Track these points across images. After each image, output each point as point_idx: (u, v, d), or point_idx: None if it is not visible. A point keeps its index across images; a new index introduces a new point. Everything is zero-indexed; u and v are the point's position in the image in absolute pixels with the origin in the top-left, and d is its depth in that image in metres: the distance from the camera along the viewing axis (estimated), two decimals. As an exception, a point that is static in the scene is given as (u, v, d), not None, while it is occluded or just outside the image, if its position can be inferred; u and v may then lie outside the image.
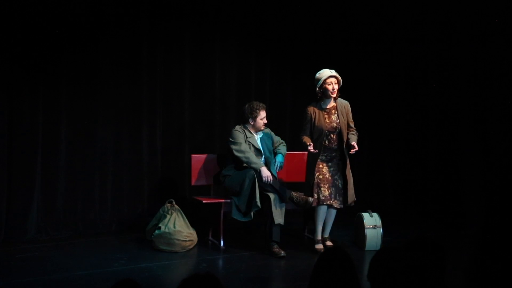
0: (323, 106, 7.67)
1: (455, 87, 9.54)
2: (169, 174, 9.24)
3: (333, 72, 7.58)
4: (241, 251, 7.95)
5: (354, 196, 7.89)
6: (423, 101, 10.13)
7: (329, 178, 7.67)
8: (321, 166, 7.65)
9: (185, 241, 7.92)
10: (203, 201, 8.08)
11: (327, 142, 7.65)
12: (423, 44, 10.00)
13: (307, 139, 7.59)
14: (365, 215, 8.02)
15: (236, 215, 7.84)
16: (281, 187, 7.82)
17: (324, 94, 7.60)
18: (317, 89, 7.58)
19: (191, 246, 8.01)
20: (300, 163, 8.62)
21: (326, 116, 7.64)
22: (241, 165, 7.92)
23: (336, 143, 7.68)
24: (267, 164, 7.99)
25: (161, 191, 9.04)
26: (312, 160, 7.71)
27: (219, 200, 8.10)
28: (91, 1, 8.51)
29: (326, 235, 7.95)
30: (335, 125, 7.62)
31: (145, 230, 8.26)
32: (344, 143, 7.70)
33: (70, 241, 8.31)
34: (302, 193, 7.81)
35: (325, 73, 7.57)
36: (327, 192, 7.66)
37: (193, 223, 8.15)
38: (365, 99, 10.34)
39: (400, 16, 10.13)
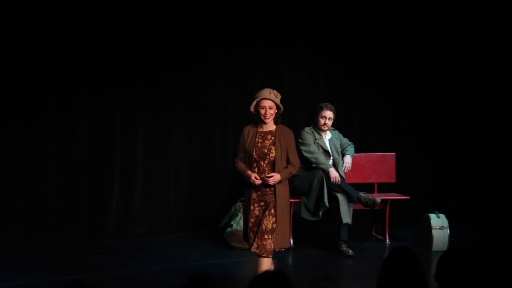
0: (259, 129, 6.12)
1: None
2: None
3: (271, 95, 6.06)
4: (310, 249, 7.93)
5: (287, 242, 6.12)
6: (490, 103, 9.93)
7: (261, 217, 5.99)
8: (252, 208, 6.02)
9: (256, 238, 7.93)
10: (273, 201, 8.08)
11: (256, 171, 6.00)
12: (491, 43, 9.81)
13: (244, 167, 6.08)
14: (432, 216, 7.89)
15: (305, 215, 7.84)
16: (349, 187, 7.78)
17: (258, 117, 6.11)
18: (252, 109, 6.10)
19: (262, 244, 8.02)
20: (368, 164, 8.60)
21: (260, 139, 6.06)
22: (310, 166, 7.89)
23: (267, 174, 5.97)
24: (335, 165, 7.94)
25: (233, 190, 9.08)
26: (247, 200, 6.13)
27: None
28: (164, 5, 8.63)
29: None
30: (266, 150, 6.00)
31: (218, 227, 8.31)
32: None
33: (147, 237, 8.46)
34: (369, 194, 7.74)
35: (261, 93, 6.09)
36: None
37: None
38: (434, 100, 10.20)
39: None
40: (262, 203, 6.01)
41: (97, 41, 8.31)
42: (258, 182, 5.94)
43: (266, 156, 6.00)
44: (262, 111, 6.03)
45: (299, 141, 7.98)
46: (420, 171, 10.30)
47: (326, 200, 7.60)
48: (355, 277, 7.07)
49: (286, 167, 6.03)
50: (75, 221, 8.29)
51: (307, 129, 8.05)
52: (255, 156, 6.01)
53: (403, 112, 10.21)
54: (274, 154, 5.99)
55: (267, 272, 3.12)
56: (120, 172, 8.56)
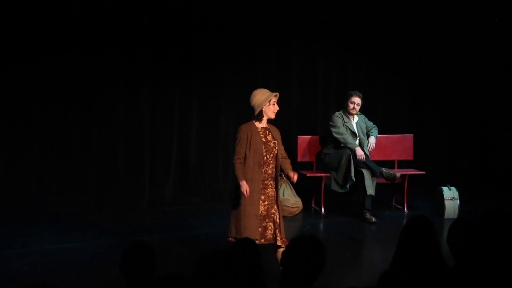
0: (258, 126, 5.52)
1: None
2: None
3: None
4: (339, 217, 7.94)
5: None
6: (500, 94, 9.77)
7: (264, 213, 5.43)
8: (260, 202, 5.42)
9: (292, 207, 7.97)
10: (307, 175, 8.10)
11: (262, 164, 5.44)
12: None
13: (242, 173, 5.37)
14: (445, 188, 7.89)
15: (335, 187, 7.86)
16: (372, 163, 7.76)
17: (265, 113, 5.51)
18: (262, 108, 5.45)
19: (297, 212, 8.06)
20: (389, 144, 8.57)
21: (262, 135, 5.48)
22: (339, 145, 7.89)
23: (271, 167, 5.48)
24: (361, 145, 7.92)
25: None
26: (251, 195, 5.36)
27: (321, 174, 8.10)
28: (216, 7, 8.63)
29: None
30: (272, 144, 5.48)
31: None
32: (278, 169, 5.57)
33: (199, 206, 8.51)
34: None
35: (268, 92, 5.55)
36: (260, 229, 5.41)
37: (299, 193, 8.18)
38: (449, 87, 10.06)
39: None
40: (263, 197, 5.42)
41: (160, 35, 8.34)
42: (247, 192, 5.30)
43: (272, 150, 5.47)
44: (274, 107, 5.52)
45: (330, 123, 7.98)
46: (435, 150, 10.18)
47: (352, 174, 7.61)
48: (377, 241, 7.08)
49: (288, 162, 5.66)
50: (140, 192, 8.38)
51: (337, 113, 8.02)
52: (264, 149, 5.42)
53: (420, 99, 10.08)
54: (277, 147, 5.50)
55: (302, 236, 3.14)
56: (176, 151, 8.60)
